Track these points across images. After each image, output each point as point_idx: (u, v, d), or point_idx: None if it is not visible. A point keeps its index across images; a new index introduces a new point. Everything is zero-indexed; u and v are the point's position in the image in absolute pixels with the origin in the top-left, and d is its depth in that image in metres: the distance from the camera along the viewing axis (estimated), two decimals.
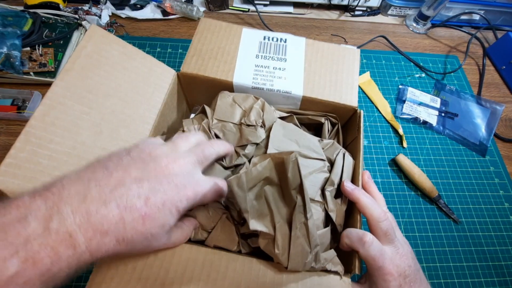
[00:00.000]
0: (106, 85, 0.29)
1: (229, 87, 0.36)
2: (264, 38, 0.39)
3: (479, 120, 0.56)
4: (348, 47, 0.40)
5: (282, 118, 0.36)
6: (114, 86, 0.29)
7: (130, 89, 0.30)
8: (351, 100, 0.36)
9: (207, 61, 0.36)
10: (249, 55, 0.38)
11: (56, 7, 0.56)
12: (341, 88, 0.37)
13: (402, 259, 0.26)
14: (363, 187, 0.31)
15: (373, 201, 0.28)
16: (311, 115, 0.37)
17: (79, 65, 0.27)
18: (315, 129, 0.40)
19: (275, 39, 0.39)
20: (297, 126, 0.36)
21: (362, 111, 0.35)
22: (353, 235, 0.27)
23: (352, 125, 0.37)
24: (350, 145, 0.37)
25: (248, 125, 0.32)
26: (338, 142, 0.37)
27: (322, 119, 0.37)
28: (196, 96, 0.41)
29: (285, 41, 0.39)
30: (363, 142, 0.34)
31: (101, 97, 0.28)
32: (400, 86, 0.58)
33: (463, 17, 0.69)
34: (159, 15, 0.62)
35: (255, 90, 0.36)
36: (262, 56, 0.38)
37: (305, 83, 0.36)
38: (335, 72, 0.38)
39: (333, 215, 0.29)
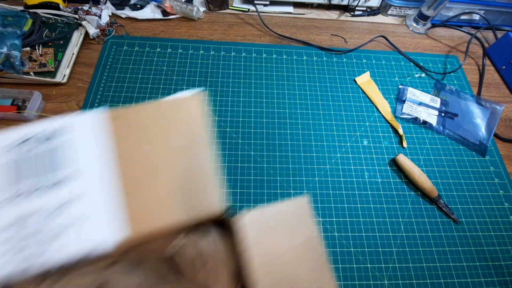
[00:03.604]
0: None
1: None
2: (9, 149, 0.19)
3: (479, 120, 0.56)
4: (183, 97, 0.23)
5: None
6: None
7: None
8: (213, 201, 0.21)
9: None
10: None
11: (56, 7, 0.56)
12: (195, 184, 0.21)
13: None
14: None
15: None
16: None
17: None
18: None
19: (34, 141, 0.19)
20: None
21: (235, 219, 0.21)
22: None
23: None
24: None
25: None
26: None
27: None
28: None
29: (61, 134, 0.20)
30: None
31: None
32: (400, 86, 0.58)
33: (463, 17, 0.69)
34: (159, 15, 0.62)
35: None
36: (19, 193, 0.18)
37: (130, 207, 0.19)
38: (176, 155, 0.21)
39: None
